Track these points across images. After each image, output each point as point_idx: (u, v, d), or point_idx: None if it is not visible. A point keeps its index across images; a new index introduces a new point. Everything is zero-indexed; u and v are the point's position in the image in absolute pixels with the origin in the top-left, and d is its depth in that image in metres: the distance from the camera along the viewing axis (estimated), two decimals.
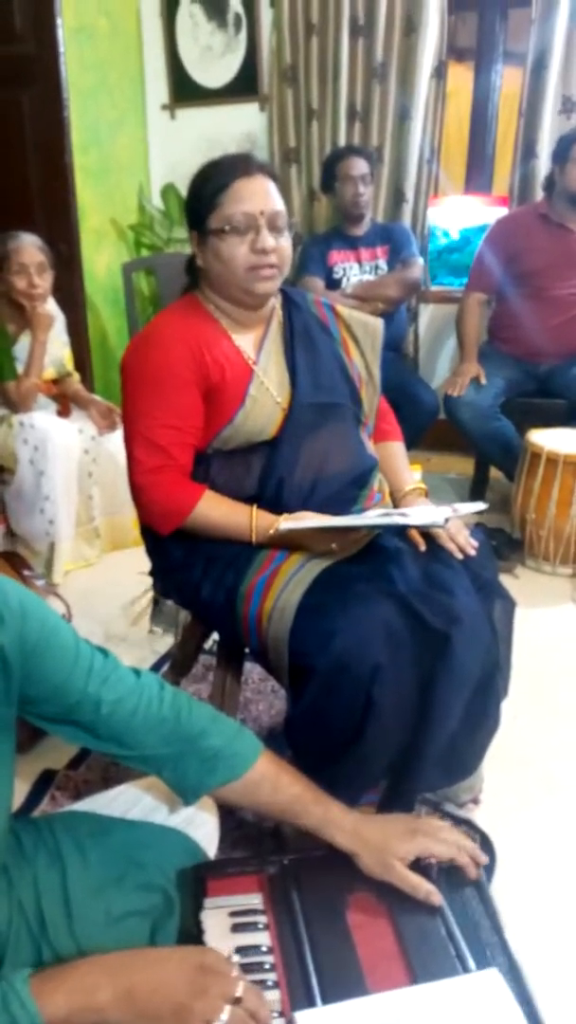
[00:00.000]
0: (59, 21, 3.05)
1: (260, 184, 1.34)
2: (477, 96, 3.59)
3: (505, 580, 1.46)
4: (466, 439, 3.02)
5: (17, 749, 1.76)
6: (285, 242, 1.36)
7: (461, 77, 3.67)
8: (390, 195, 3.57)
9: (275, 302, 1.49)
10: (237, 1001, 0.73)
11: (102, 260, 3.66)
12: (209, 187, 1.34)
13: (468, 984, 0.81)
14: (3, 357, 2.58)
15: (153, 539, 1.49)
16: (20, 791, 1.65)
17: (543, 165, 3.27)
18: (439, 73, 3.38)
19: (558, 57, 3.19)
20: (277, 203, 1.35)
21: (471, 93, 3.60)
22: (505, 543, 2.74)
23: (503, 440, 2.94)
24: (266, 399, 1.40)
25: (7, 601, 0.91)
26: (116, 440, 2.68)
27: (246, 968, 0.83)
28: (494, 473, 3.23)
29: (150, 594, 1.64)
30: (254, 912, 0.92)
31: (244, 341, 1.44)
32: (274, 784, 1.01)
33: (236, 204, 1.32)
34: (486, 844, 1.45)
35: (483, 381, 2.91)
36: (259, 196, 1.33)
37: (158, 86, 3.84)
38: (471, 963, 0.84)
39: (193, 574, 1.41)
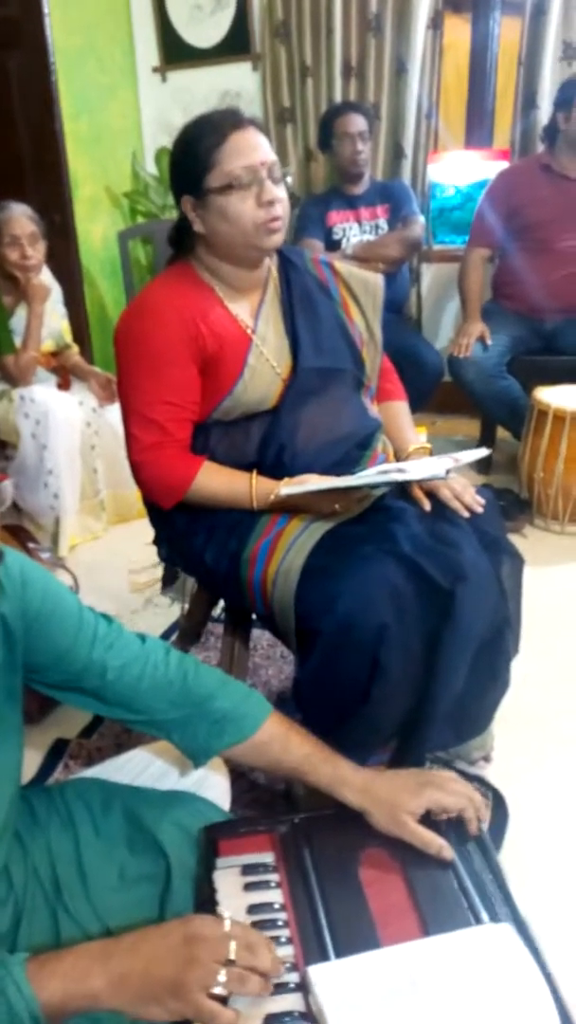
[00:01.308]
0: None
1: (253, 136, 1.30)
2: (475, 47, 3.49)
3: (514, 540, 1.44)
4: (471, 400, 2.98)
5: (29, 719, 1.78)
6: (284, 193, 1.33)
7: (458, 28, 3.57)
8: (389, 152, 3.50)
9: (271, 264, 1.45)
10: (231, 962, 0.73)
11: (97, 230, 3.61)
12: (203, 145, 1.29)
13: (481, 935, 0.81)
14: (0, 331, 2.55)
15: (155, 508, 1.47)
16: (33, 760, 1.66)
17: (544, 116, 3.18)
18: (435, 24, 3.30)
19: (558, 1, 3.09)
20: (272, 153, 1.32)
21: (469, 44, 3.51)
22: (513, 503, 2.72)
23: (509, 399, 2.90)
24: (265, 369, 1.38)
25: (8, 570, 0.91)
26: (117, 412, 2.61)
27: (259, 925, 0.83)
28: (501, 434, 3.20)
29: (160, 565, 1.63)
30: (266, 870, 0.92)
31: (240, 309, 1.41)
32: (283, 744, 1.01)
33: (236, 159, 1.28)
34: (498, 801, 1.45)
35: (488, 340, 2.86)
36: (256, 148, 1.29)
37: (148, 48, 3.75)
38: (484, 916, 0.84)
39: (196, 541, 1.40)
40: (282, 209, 1.32)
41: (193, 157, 1.31)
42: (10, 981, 0.71)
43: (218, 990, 0.71)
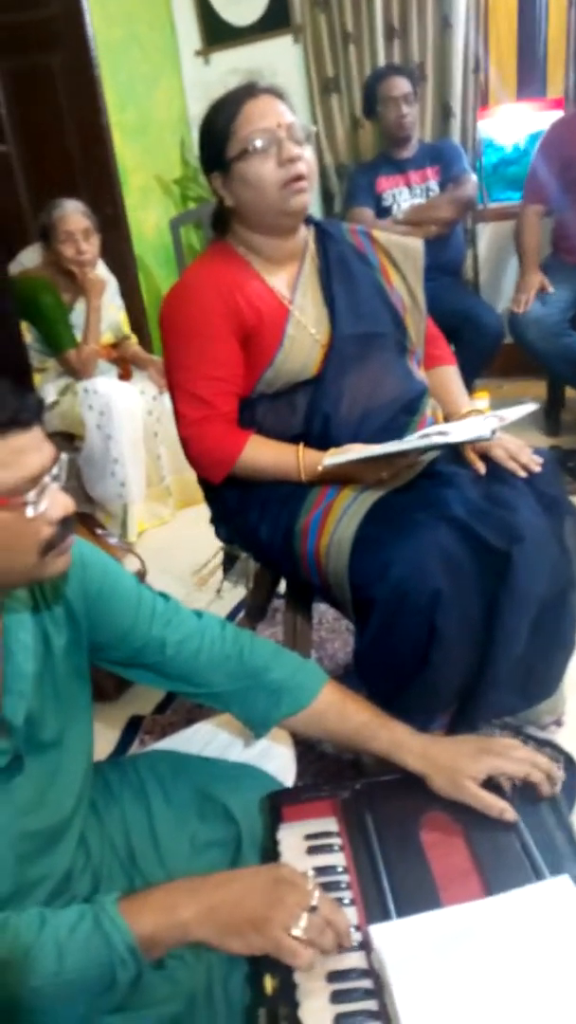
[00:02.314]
0: None
1: (267, 102, 1.32)
2: None
3: None
4: (535, 359, 2.89)
5: (105, 697, 1.85)
6: (309, 153, 1.33)
7: None
8: (436, 112, 3.41)
9: (307, 235, 1.45)
10: (313, 910, 0.76)
11: (150, 219, 3.65)
12: (220, 120, 1.33)
13: (540, 892, 0.80)
14: (61, 326, 2.62)
15: (209, 487, 1.50)
16: (111, 737, 1.72)
17: None
18: None
19: None
20: (290, 116, 1.32)
21: None
22: None
23: (574, 356, 2.80)
24: (304, 337, 1.38)
25: None
26: None
27: (323, 887, 0.85)
28: (571, 393, 3.10)
29: (221, 553, 1.66)
30: (329, 835, 0.94)
31: (277, 281, 1.41)
32: (340, 712, 1.02)
33: (251, 124, 1.30)
34: (570, 765, 1.42)
35: (550, 289, 2.76)
36: (271, 112, 1.31)
37: (189, 32, 3.75)
38: (547, 875, 0.84)
39: (250, 517, 1.42)
40: (306, 168, 1.32)
41: (212, 133, 1.34)
42: (105, 916, 0.76)
43: (297, 933, 0.75)
